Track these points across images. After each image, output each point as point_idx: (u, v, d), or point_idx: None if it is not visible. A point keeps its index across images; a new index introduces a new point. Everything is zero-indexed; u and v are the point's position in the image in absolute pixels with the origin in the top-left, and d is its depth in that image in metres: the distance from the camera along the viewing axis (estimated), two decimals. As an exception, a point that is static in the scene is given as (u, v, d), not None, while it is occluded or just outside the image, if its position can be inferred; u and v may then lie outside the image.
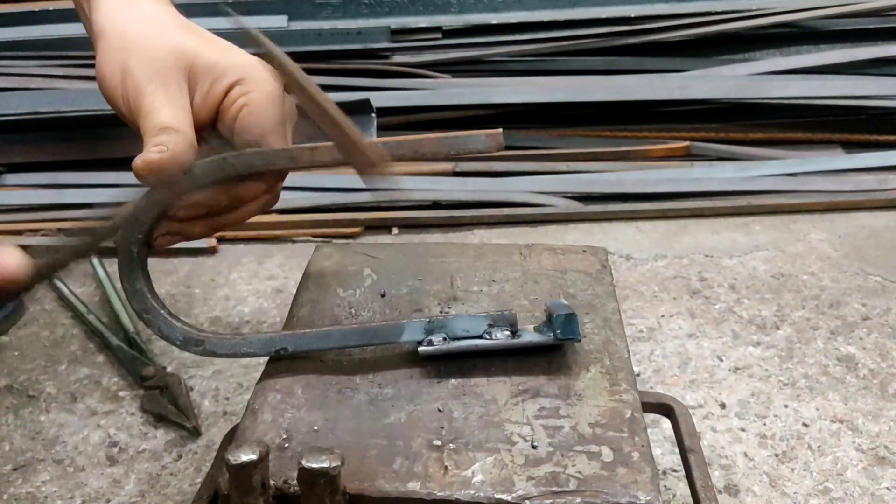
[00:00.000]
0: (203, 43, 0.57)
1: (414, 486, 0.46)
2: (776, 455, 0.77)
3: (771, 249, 1.14)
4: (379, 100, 1.33)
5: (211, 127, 0.57)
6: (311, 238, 1.19)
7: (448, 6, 1.53)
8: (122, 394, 0.86)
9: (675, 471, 0.74)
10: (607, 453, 0.48)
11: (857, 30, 1.53)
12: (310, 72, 1.51)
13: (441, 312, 0.60)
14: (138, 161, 0.51)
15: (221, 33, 0.59)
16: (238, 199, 0.55)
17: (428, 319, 0.55)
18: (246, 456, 0.43)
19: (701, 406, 0.83)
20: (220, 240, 1.16)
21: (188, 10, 0.61)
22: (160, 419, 0.82)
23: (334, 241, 1.18)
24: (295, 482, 0.45)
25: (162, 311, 0.55)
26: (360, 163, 0.49)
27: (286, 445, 0.49)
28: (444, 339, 0.55)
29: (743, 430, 0.80)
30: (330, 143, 0.53)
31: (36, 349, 0.94)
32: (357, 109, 1.30)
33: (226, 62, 0.56)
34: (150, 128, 0.53)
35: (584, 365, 0.55)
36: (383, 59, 1.49)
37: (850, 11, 1.48)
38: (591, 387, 0.53)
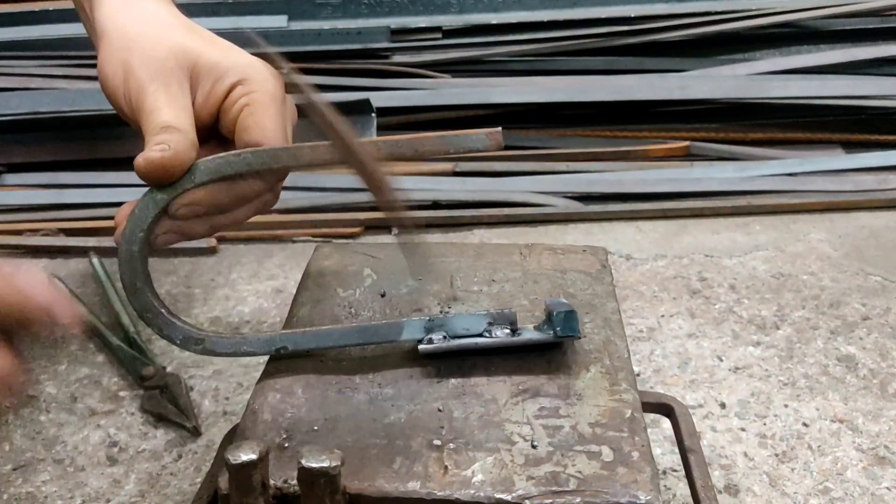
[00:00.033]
0: (204, 43, 0.57)
1: (414, 486, 0.46)
2: (776, 455, 0.77)
3: (771, 249, 1.14)
4: (379, 100, 1.33)
5: (212, 127, 0.57)
6: (311, 238, 1.19)
7: (448, 6, 1.53)
8: (122, 394, 0.86)
9: (675, 470, 0.74)
10: (607, 453, 0.48)
11: (857, 30, 1.52)
12: (310, 72, 1.52)
13: (441, 312, 0.60)
14: (140, 159, 0.51)
15: (222, 33, 0.59)
16: (238, 198, 0.56)
17: (428, 318, 0.55)
18: (246, 456, 0.43)
19: (701, 406, 0.83)
20: (220, 240, 1.16)
21: (189, 10, 0.61)
22: (160, 419, 0.82)
23: (334, 241, 1.18)
24: (295, 482, 0.45)
25: (162, 311, 0.55)
26: (386, 204, 0.52)
27: (286, 445, 0.49)
28: (444, 337, 0.55)
29: (743, 429, 0.80)
30: (329, 143, 0.53)
31: (36, 349, 0.94)
32: (357, 109, 1.30)
33: (227, 62, 0.56)
34: (151, 127, 0.53)
35: (584, 365, 0.55)
36: (383, 59, 1.49)
37: (850, 11, 1.48)
38: (591, 386, 0.53)
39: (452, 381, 0.54)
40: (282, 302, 1.02)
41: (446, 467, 0.47)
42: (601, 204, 1.26)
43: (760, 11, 1.49)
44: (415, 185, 1.28)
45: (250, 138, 0.55)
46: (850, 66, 1.46)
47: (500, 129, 0.53)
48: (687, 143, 1.37)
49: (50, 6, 1.48)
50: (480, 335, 0.55)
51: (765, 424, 0.81)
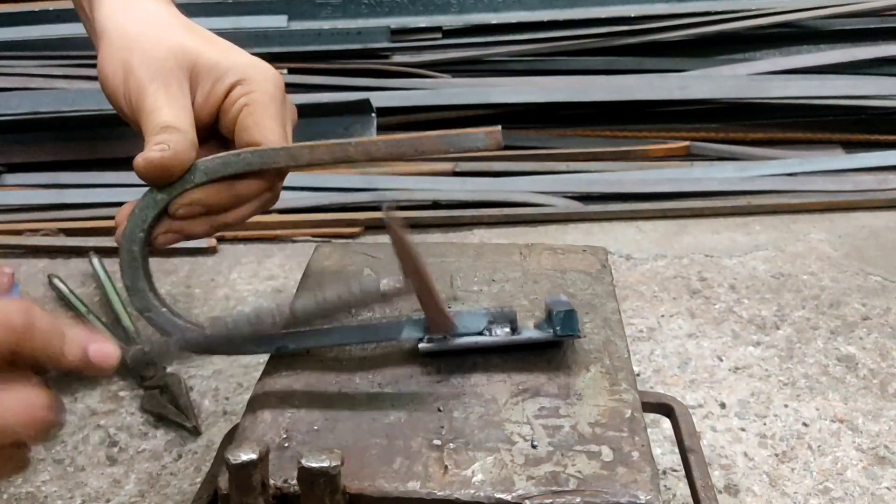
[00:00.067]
0: (204, 43, 0.57)
1: (414, 486, 0.46)
2: (776, 455, 0.77)
3: (771, 249, 1.14)
4: (379, 100, 1.33)
5: (212, 127, 0.57)
6: (311, 238, 1.19)
7: (448, 6, 1.53)
8: (122, 394, 0.86)
9: (675, 470, 0.74)
10: (607, 453, 0.48)
11: (857, 30, 1.52)
12: (310, 72, 1.51)
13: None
14: (139, 159, 0.51)
15: (222, 33, 0.59)
16: (238, 197, 0.55)
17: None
18: (246, 455, 0.43)
19: (701, 406, 0.83)
20: (220, 240, 1.16)
21: (189, 10, 0.61)
22: (160, 419, 0.82)
23: (334, 241, 1.18)
24: (295, 482, 0.45)
25: (163, 310, 0.55)
26: (436, 323, 0.53)
27: (286, 445, 0.49)
28: (445, 336, 0.55)
29: (743, 429, 0.80)
30: (330, 142, 0.53)
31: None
32: (357, 109, 1.30)
33: (227, 62, 0.56)
34: (151, 127, 0.53)
35: (584, 364, 0.55)
36: (383, 59, 1.49)
37: (850, 11, 1.48)
38: (591, 386, 0.53)
39: (452, 380, 0.54)
40: (282, 302, 1.02)
41: (446, 467, 0.47)
42: (601, 204, 1.26)
43: (760, 11, 1.49)
44: (415, 185, 1.28)
45: (250, 138, 0.55)
46: (850, 66, 1.46)
47: (499, 127, 0.53)
48: (687, 143, 1.37)
49: (50, 6, 1.48)
50: (480, 333, 0.55)
51: (765, 424, 0.81)
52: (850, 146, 1.40)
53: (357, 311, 0.60)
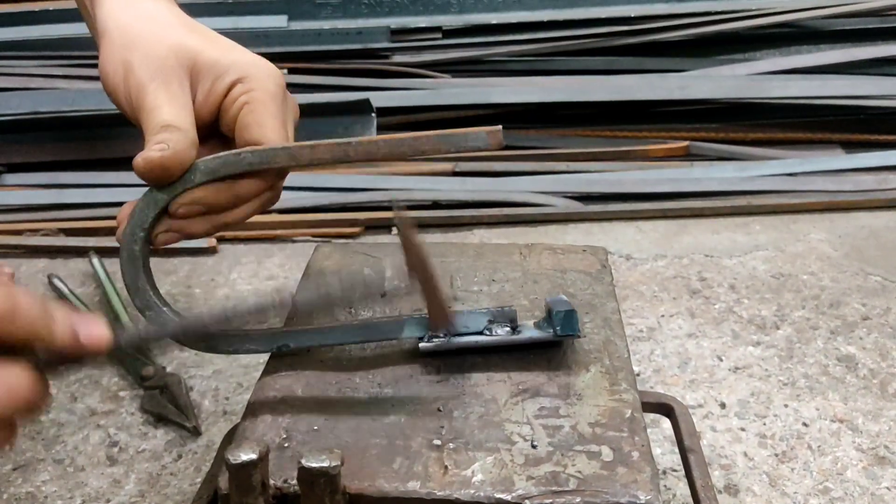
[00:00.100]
0: (205, 41, 0.57)
1: (414, 486, 0.46)
2: (776, 455, 0.77)
3: (771, 249, 1.14)
4: (379, 100, 1.33)
5: (212, 125, 0.57)
6: (311, 238, 1.19)
7: (448, 6, 1.53)
8: (122, 394, 0.86)
9: (675, 470, 0.74)
10: (607, 453, 0.48)
11: (857, 30, 1.53)
12: (310, 72, 1.51)
13: (441, 312, 0.60)
14: (139, 159, 0.51)
15: (222, 33, 0.59)
16: (239, 197, 0.55)
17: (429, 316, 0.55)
18: (246, 455, 0.43)
19: (701, 406, 0.83)
20: (220, 239, 1.16)
21: (189, 10, 0.61)
22: (160, 419, 0.82)
23: (334, 241, 1.18)
24: (295, 482, 0.45)
25: (164, 308, 0.55)
26: (437, 320, 0.52)
27: (286, 445, 0.49)
28: (445, 335, 0.55)
29: (743, 429, 0.80)
30: (330, 141, 0.53)
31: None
32: (357, 109, 1.30)
33: (227, 60, 0.56)
34: (151, 125, 0.53)
35: (583, 364, 0.55)
36: (383, 59, 1.49)
37: (850, 11, 1.48)
38: (591, 386, 0.53)
39: (452, 380, 0.54)
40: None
41: (446, 467, 0.47)
42: (601, 204, 1.26)
43: (760, 11, 1.49)
44: (415, 185, 1.28)
45: (250, 136, 0.55)
46: (850, 66, 1.46)
47: (500, 127, 0.53)
48: (687, 143, 1.37)
49: (50, 6, 1.48)
50: (480, 333, 0.55)
51: (765, 424, 0.81)
52: (850, 146, 1.40)
53: (358, 308, 0.59)
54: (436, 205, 1.26)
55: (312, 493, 0.44)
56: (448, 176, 1.31)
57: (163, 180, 0.53)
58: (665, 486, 0.73)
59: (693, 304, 1.01)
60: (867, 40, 1.51)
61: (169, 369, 0.88)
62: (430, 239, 1.19)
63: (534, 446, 0.48)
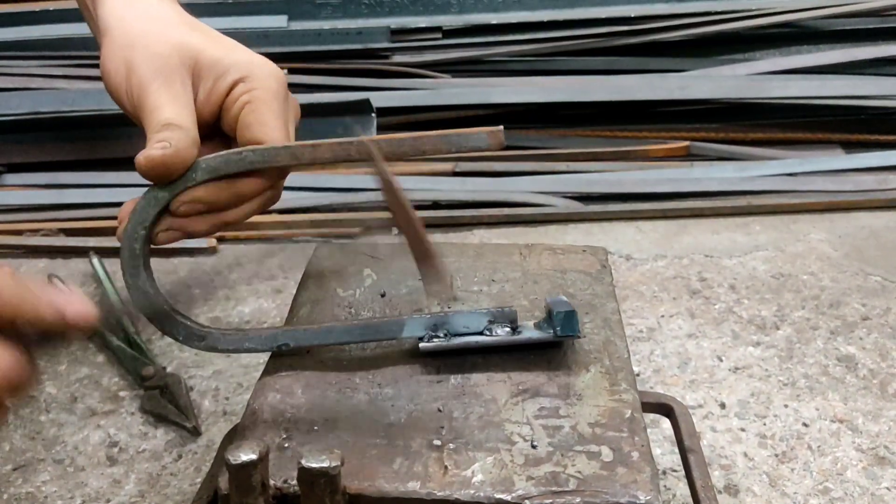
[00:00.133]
0: (207, 40, 0.57)
1: (414, 486, 0.46)
2: (776, 455, 0.77)
3: (771, 249, 1.14)
4: (379, 100, 1.33)
5: (214, 124, 0.58)
6: (311, 238, 1.19)
7: (448, 6, 1.53)
8: (122, 394, 0.86)
9: (674, 471, 0.74)
10: (607, 453, 0.48)
11: (857, 30, 1.53)
12: (310, 72, 1.51)
13: (441, 312, 0.60)
14: (141, 157, 0.51)
15: (222, 33, 0.59)
16: (240, 196, 0.55)
17: (429, 315, 0.55)
18: (246, 456, 0.43)
19: (701, 406, 0.83)
20: (220, 240, 1.16)
21: (189, 10, 0.61)
22: (160, 419, 0.82)
23: (334, 241, 1.18)
24: (295, 482, 0.45)
25: (165, 307, 0.55)
26: (422, 257, 0.51)
27: (286, 445, 0.49)
28: (445, 335, 0.55)
29: (743, 430, 0.80)
30: (331, 141, 0.53)
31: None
32: (357, 109, 1.30)
33: (229, 59, 0.56)
34: (153, 124, 0.53)
35: (583, 365, 0.55)
36: (383, 59, 1.49)
37: (850, 11, 1.48)
38: (591, 387, 0.53)
39: (452, 381, 0.54)
40: (282, 302, 1.02)
41: (446, 467, 0.47)
42: (601, 204, 1.26)
43: (760, 11, 1.49)
44: (415, 185, 1.28)
45: (252, 136, 0.55)
46: (850, 66, 1.46)
47: (501, 128, 0.53)
48: (687, 143, 1.37)
49: (50, 6, 1.48)
50: (481, 333, 0.55)
51: (765, 424, 0.81)
52: (850, 146, 1.40)
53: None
54: (436, 205, 1.26)
55: (312, 493, 0.44)
56: (448, 176, 1.31)
57: (164, 178, 0.53)
58: (665, 486, 0.73)
59: (693, 304, 1.01)
60: (867, 40, 1.51)
61: (169, 369, 0.88)
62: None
63: (534, 446, 0.48)
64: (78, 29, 1.42)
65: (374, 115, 1.30)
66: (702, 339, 0.94)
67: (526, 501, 0.45)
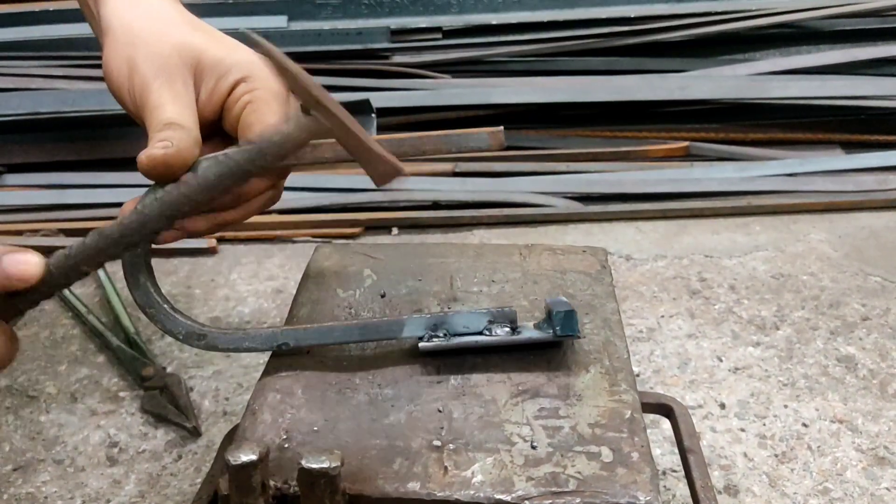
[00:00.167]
0: (209, 40, 0.57)
1: (414, 487, 0.46)
2: (776, 455, 0.77)
3: (771, 250, 1.14)
4: (379, 100, 1.33)
5: (215, 123, 0.58)
6: (311, 238, 1.19)
7: (448, 6, 1.53)
8: (122, 394, 0.86)
9: (674, 471, 0.74)
10: (607, 454, 0.48)
11: (857, 30, 1.53)
12: (310, 72, 1.52)
13: (441, 312, 0.60)
14: (143, 156, 0.52)
15: (224, 33, 0.59)
16: (240, 195, 0.56)
17: (429, 315, 0.55)
18: (246, 456, 0.43)
19: (700, 406, 0.83)
20: (220, 240, 1.16)
21: (191, 10, 0.61)
22: (160, 419, 0.82)
23: (334, 241, 1.18)
24: (295, 482, 0.45)
25: (165, 306, 0.56)
26: (375, 168, 0.49)
27: (286, 445, 0.49)
28: (445, 335, 0.55)
29: (742, 430, 0.80)
30: (332, 140, 0.53)
31: (36, 349, 0.94)
32: (357, 110, 1.30)
33: (231, 59, 0.56)
34: (155, 123, 0.53)
35: (583, 365, 0.55)
36: (383, 60, 1.49)
37: (850, 11, 1.48)
38: (591, 387, 0.53)
39: (452, 381, 0.54)
40: (282, 302, 1.02)
41: (446, 468, 0.47)
42: (601, 204, 1.26)
43: (760, 11, 1.49)
44: (415, 185, 1.28)
45: (252, 135, 0.55)
46: (850, 66, 1.46)
47: (501, 128, 0.53)
48: (687, 143, 1.37)
49: (50, 6, 1.48)
50: (480, 333, 0.55)
51: (764, 425, 0.81)
52: (850, 146, 1.40)
53: (270, 162, 0.53)
54: (436, 205, 1.26)
55: (312, 493, 0.44)
56: (448, 176, 1.31)
57: (166, 177, 0.53)
58: (665, 486, 0.73)
59: (693, 304, 1.01)
60: (867, 40, 1.51)
61: (169, 370, 0.88)
62: (430, 239, 1.20)
63: (533, 447, 0.48)
64: (78, 29, 1.42)
65: (374, 115, 1.30)
66: (702, 340, 0.94)
67: (525, 502, 0.45)
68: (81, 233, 1.24)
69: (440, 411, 0.51)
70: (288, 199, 1.23)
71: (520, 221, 1.23)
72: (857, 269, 1.08)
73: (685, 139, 1.38)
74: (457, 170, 1.31)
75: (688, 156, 1.37)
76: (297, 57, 1.48)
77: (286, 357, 0.56)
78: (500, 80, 1.46)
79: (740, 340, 0.94)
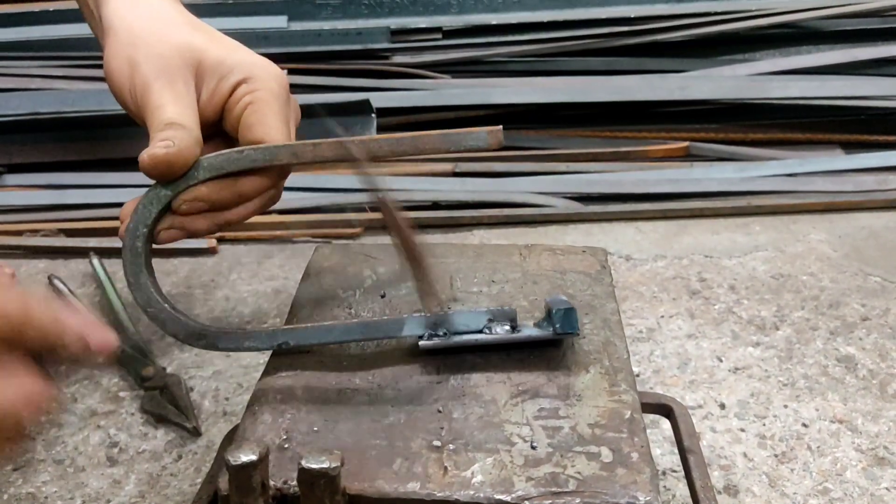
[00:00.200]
0: (210, 40, 0.58)
1: (413, 487, 0.46)
2: (776, 455, 0.77)
3: (771, 250, 1.14)
4: (379, 100, 1.33)
5: (216, 124, 0.58)
6: (311, 238, 1.19)
7: (448, 6, 1.53)
8: (122, 394, 0.86)
9: (674, 471, 0.74)
10: (607, 454, 0.48)
11: (857, 30, 1.53)
12: (310, 72, 1.51)
13: (441, 312, 0.60)
14: (144, 155, 0.52)
15: (224, 33, 0.59)
16: (241, 194, 0.56)
17: (428, 315, 0.55)
18: (246, 456, 0.43)
19: (700, 406, 0.83)
20: (220, 240, 1.16)
21: (191, 10, 0.61)
22: (160, 419, 0.82)
23: (334, 241, 1.18)
24: (295, 483, 0.45)
25: (165, 305, 0.56)
26: (426, 296, 0.54)
27: (286, 446, 0.49)
28: (445, 333, 0.55)
29: (742, 430, 0.80)
30: (332, 140, 0.54)
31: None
32: (357, 110, 1.30)
33: (232, 60, 0.56)
34: (156, 123, 0.53)
35: (583, 365, 0.55)
36: (383, 60, 1.49)
37: (850, 11, 1.48)
38: (591, 387, 0.53)
39: (452, 381, 0.54)
40: (282, 303, 1.02)
41: (446, 468, 0.47)
42: (601, 204, 1.26)
43: (760, 12, 1.49)
44: (415, 185, 1.28)
45: (254, 136, 0.55)
46: (850, 66, 1.46)
47: (500, 127, 0.53)
48: (687, 143, 1.37)
49: (50, 6, 1.48)
50: (480, 331, 0.55)
51: (764, 425, 0.81)
52: (850, 146, 1.40)
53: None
54: (436, 205, 1.26)
55: (312, 494, 0.44)
56: (448, 176, 1.31)
57: (167, 177, 0.53)
58: (665, 486, 0.73)
59: (693, 304, 1.01)
60: (867, 40, 1.51)
61: (169, 370, 0.88)
62: (429, 239, 1.20)
63: (533, 447, 0.48)
64: (78, 29, 1.42)
65: (374, 115, 1.30)
66: (701, 340, 0.94)
67: (525, 502, 0.45)
68: (81, 233, 1.25)
69: (440, 411, 0.51)
70: (288, 199, 1.22)
71: (520, 221, 1.23)
72: (856, 270, 1.08)
73: (685, 139, 1.38)
74: (457, 170, 1.31)
75: (688, 156, 1.37)
76: (297, 57, 1.49)
77: (286, 357, 0.56)
78: (500, 80, 1.46)
79: (740, 340, 0.94)
